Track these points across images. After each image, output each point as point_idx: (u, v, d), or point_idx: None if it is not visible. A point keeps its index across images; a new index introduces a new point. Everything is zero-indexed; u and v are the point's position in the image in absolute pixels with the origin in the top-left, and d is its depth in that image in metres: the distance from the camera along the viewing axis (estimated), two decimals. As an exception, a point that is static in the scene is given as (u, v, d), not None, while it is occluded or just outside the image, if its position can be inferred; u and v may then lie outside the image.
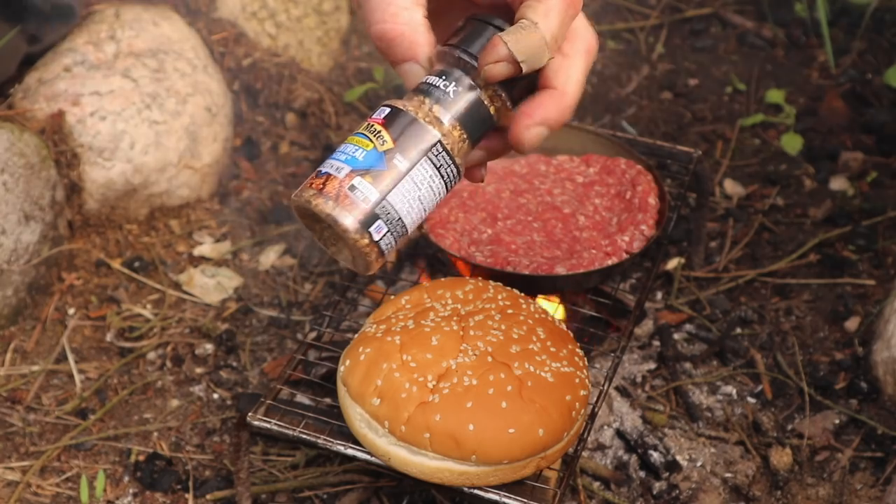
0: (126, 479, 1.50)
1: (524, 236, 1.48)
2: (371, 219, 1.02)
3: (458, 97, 1.04)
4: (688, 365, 1.64)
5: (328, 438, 1.28)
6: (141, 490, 1.49)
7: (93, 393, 1.60)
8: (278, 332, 1.69)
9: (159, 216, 1.83)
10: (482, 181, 1.11)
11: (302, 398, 1.52)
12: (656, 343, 1.66)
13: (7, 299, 1.64)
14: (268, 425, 1.30)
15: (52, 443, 1.53)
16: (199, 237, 1.83)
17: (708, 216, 1.82)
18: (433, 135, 1.03)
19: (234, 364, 1.64)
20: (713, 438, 1.55)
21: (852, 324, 1.70)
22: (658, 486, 1.49)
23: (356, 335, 1.30)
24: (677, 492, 1.48)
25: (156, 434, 1.55)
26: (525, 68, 1.01)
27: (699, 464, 1.52)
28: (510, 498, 1.23)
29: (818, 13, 2.11)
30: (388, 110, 1.04)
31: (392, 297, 1.37)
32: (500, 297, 1.32)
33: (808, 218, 1.88)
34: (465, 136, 1.05)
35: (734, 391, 1.61)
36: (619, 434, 1.53)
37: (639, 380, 1.61)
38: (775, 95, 2.11)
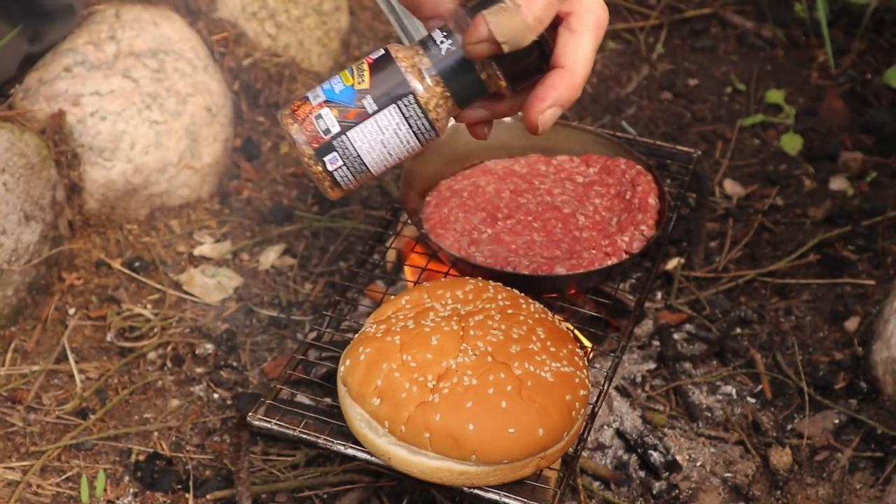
0: (126, 478, 1.50)
1: (524, 236, 1.48)
2: (326, 149, 1.06)
3: (449, 56, 1.06)
4: (688, 365, 1.64)
5: (328, 438, 1.28)
6: (141, 490, 1.49)
7: (93, 393, 1.60)
8: (278, 332, 1.69)
9: (159, 216, 1.83)
10: (485, 138, 1.13)
11: (302, 398, 1.52)
12: (656, 343, 1.66)
13: (7, 299, 1.64)
14: (268, 425, 1.30)
15: (53, 443, 1.53)
16: (200, 237, 1.83)
17: (708, 216, 1.82)
18: (408, 86, 1.06)
19: (235, 364, 1.64)
20: (713, 438, 1.55)
21: (852, 324, 1.70)
22: (658, 485, 1.49)
23: (356, 335, 1.31)
24: (677, 491, 1.48)
25: (156, 434, 1.55)
26: (506, 49, 1.01)
27: (699, 464, 1.52)
28: (510, 498, 1.23)
29: (818, 13, 2.11)
30: (382, 53, 1.08)
31: (392, 297, 1.37)
32: (500, 296, 1.32)
33: (808, 218, 1.88)
34: (447, 94, 1.07)
35: (734, 391, 1.61)
36: (619, 434, 1.53)
37: (639, 380, 1.61)
38: (775, 95, 2.11)
